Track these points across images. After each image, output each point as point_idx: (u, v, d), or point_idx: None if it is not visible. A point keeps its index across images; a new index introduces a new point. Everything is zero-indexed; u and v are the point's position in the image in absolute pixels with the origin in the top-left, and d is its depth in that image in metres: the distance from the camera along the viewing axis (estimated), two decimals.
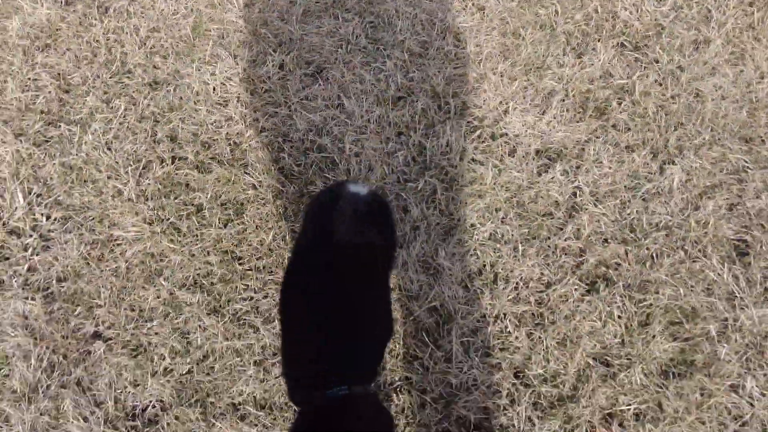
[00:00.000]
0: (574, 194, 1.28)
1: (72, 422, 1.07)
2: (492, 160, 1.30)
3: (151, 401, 1.10)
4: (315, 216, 0.91)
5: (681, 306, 1.19)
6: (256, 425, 1.08)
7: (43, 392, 1.09)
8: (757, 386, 1.12)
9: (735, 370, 1.13)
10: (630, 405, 1.10)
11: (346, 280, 0.85)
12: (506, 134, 1.33)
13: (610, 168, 1.30)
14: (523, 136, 1.32)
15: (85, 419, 1.08)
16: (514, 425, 1.08)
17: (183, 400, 1.10)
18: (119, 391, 1.11)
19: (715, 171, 1.30)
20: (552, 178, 1.28)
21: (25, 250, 1.21)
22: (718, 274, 1.21)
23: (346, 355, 0.83)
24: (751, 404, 1.11)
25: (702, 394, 1.12)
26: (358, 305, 0.85)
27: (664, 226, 1.25)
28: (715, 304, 1.19)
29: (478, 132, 1.32)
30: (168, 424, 1.08)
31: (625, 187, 1.28)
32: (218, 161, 1.29)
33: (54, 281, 1.18)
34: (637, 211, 1.26)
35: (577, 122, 1.34)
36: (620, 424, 1.09)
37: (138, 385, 1.11)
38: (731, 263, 1.22)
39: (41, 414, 1.08)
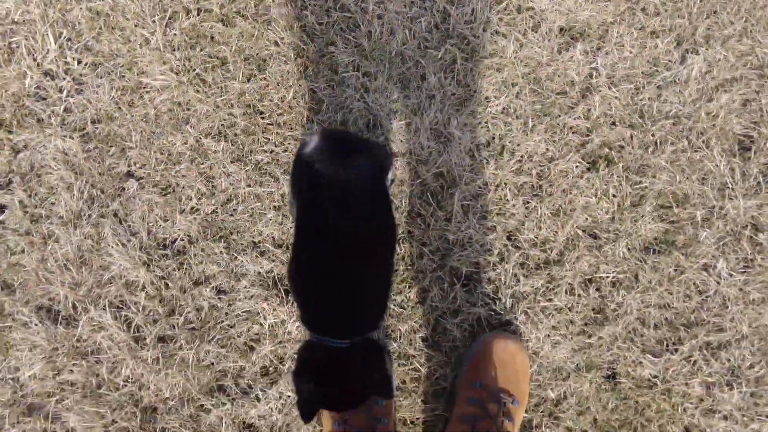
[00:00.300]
0: (591, 75, 1.30)
1: (112, 246, 1.23)
2: (515, 33, 1.31)
3: (179, 235, 1.24)
4: (297, 180, 0.93)
5: (674, 191, 1.26)
6: (274, 261, 1.22)
7: (85, 220, 1.23)
8: (726, 267, 1.24)
9: (710, 252, 1.24)
10: (609, 273, 1.23)
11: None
12: (532, 8, 1.32)
13: (630, 52, 1.31)
14: (549, 12, 1.32)
15: (123, 245, 1.23)
16: (501, 279, 1.22)
17: (208, 235, 1.24)
18: (151, 224, 1.24)
19: (738, 65, 1.31)
20: (571, 57, 1.30)
21: (60, 92, 1.29)
22: (716, 165, 1.27)
23: (348, 326, 0.93)
24: (717, 282, 1.23)
25: (676, 270, 1.23)
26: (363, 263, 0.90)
27: (673, 114, 1.29)
28: (707, 192, 1.26)
29: (504, 3, 1.31)
30: (195, 254, 1.23)
31: (642, 72, 1.30)
32: (242, 15, 1.31)
33: (89, 122, 1.27)
34: (649, 97, 1.29)
35: (606, 2, 1.32)
36: (597, 289, 1.23)
37: (168, 220, 1.24)
38: (731, 156, 1.28)
39: (85, 238, 1.23)
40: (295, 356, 1.04)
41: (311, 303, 0.93)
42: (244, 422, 1.25)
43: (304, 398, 0.92)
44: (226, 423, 1.23)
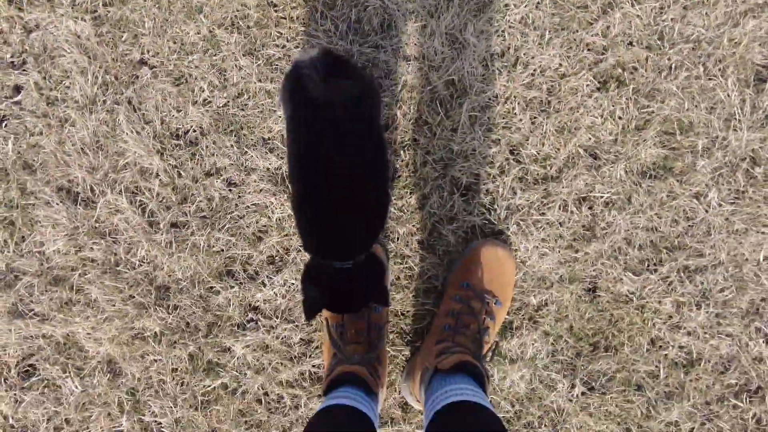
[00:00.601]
0: None
1: (126, 133, 1.23)
2: None
3: (192, 126, 1.24)
4: (289, 100, 0.85)
5: (680, 118, 1.24)
6: (282, 158, 1.23)
7: (100, 105, 1.23)
8: (717, 197, 1.25)
9: (705, 181, 1.24)
10: (604, 194, 1.24)
11: (339, 148, 0.83)
12: None
13: None
14: None
15: (138, 133, 1.23)
16: (498, 191, 1.24)
17: (220, 128, 1.24)
18: (164, 113, 1.24)
19: None
20: None
21: None
22: (727, 95, 1.23)
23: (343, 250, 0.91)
24: (706, 210, 1.24)
25: (668, 196, 1.24)
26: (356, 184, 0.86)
27: (694, 38, 1.22)
28: (712, 122, 1.24)
29: None
30: (206, 146, 1.24)
31: None
32: None
33: (100, 4, 1.23)
34: (672, 18, 1.22)
35: None
36: (590, 208, 1.24)
37: (180, 110, 1.24)
38: (745, 87, 1.24)
39: (100, 124, 1.23)
40: (303, 266, 1.04)
41: (312, 232, 0.91)
42: (249, 304, 1.31)
43: (310, 302, 0.95)
44: (233, 304, 1.30)
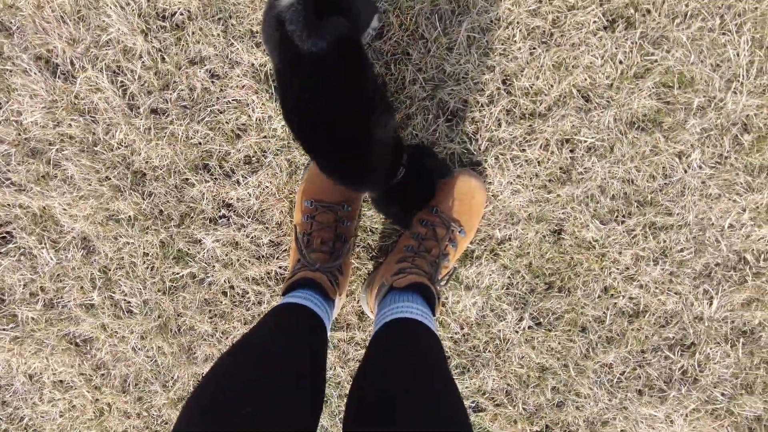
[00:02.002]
0: None
1: (110, 7, 1.01)
2: None
3: (179, 8, 1.02)
4: (272, 51, 0.63)
5: (682, 72, 1.04)
6: (268, 55, 1.04)
7: None
8: (699, 159, 1.07)
9: (691, 141, 1.07)
10: (588, 138, 1.06)
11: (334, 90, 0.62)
12: None
13: None
14: None
15: (122, 8, 1.02)
16: (484, 121, 1.05)
17: (208, 14, 1.02)
18: None
19: None
20: None
21: None
22: (737, 54, 1.02)
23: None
24: (685, 171, 1.08)
25: (651, 150, 1.07)
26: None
27: None
28: (714, 81, 1.04)
29: None
30: (192, 32, 1.03)
31: None
32: None
33: None
34: None
35: None
36: (571, 150, 1.08)
37: None
38: (757, 47, 1.02)
39: None
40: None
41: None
42: (223, 201, 1.07)
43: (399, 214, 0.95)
44: (207, 198, 1.06)
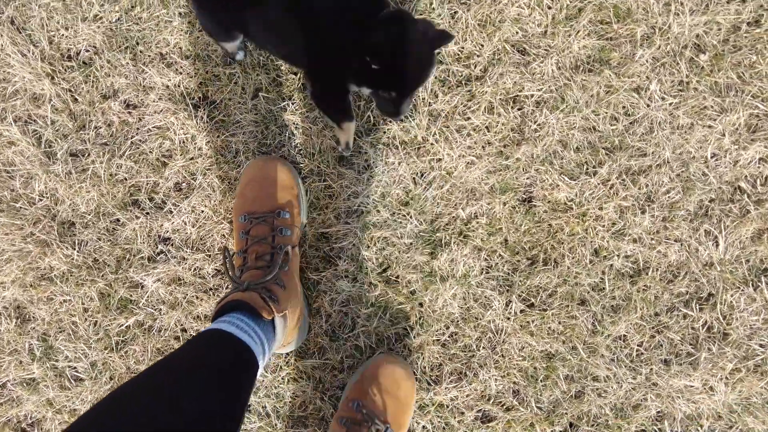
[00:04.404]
0: None
1: (11, 56, 0.98)
2: None
3: (83, 45, 0.99)
4: None
5: (615, 4, 0.98)
6: (181, 73, 0.99)
7: None
8: (659, 90, 0.99)
9: (645, 73, 0.99)
10: (534, 92, 0.98)
11: None
12: None
13: None
14: None
15: (23, 55, 0.99)
16: (418, 95, 0.98)
17: (114, 46, 0.99)
18: (52, 33, 0.98)
19: None
20: None
21: None
22: None
23: None
24: (648, 105, 0.99)
25: (606, 91, 1.00)
26: None
27: None
28: (651, 6, 0.98)
29: None
30: (101, 66, 0.99)
31: None
32: None
33: None
34: None
35: None
36: (519, 109, 1.00)
37: (69, 28, 0.98)
38: None
39: None
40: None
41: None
42: (159, 235, 0.98)
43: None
44: (141, 236, 0.97)
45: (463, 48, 0.96)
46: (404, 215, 0.99)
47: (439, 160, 0.98)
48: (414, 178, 0.99)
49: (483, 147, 0.98)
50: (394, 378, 0.90)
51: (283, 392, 1.00)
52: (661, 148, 0.98)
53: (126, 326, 1.00)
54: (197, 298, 0.99)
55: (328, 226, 0.99)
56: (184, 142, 0.98)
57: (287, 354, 1.00)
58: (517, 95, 0.97)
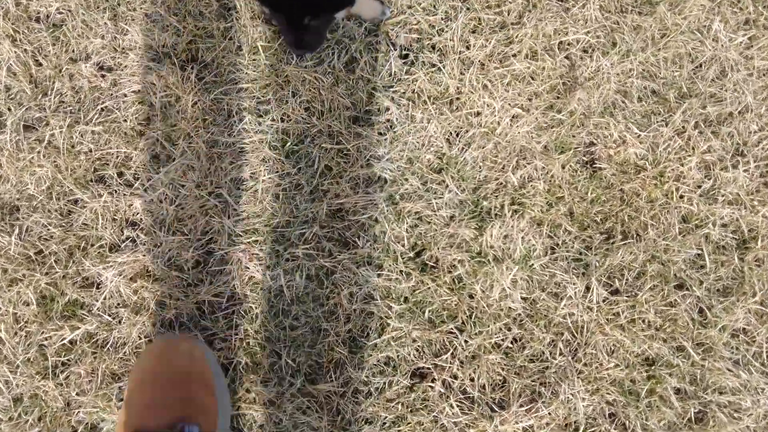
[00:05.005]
0: None
1: None
2: None
3: (56, 7, 0.87)
4: None
5: None
6: (167, 31, 0.85)
7: None
8: (723, 29, 0.87)
9: (704, 11, 0.87)
10: (580, 38, 0.85)
11: None
12: None
13: None
14: None
15: None
16: (447, 44, 0.84)
17: (92, 6, 0.86)
18: None
19: None
20: None
21: None
22: None
23: None
24: (713, 47, 0.86)
25: (661, 34, 0.86)
26: None
27: None
28: None
29: None
30: (73, 27, 0.85)
31: None
32: None
33: None
34: None
35: None
36: (566, 57, 0.86)
37: None
38: None
39: None
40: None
41: None
42: (126, 219, 0.76)
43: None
44: (104, 219, 0.75)
45: None
46: (439, 183, 0.79)
47: (478, 114, 0.81)
48: (448, 138, 0.81)
49: (529, 98, 0.81)
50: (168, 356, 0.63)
51: (286, 430, 0.71)
52: (740, 92, 0.82)
53: (70, 340, 0.73)
54: (170, 297, 0.74)
55: (345, 197, 0.78)
56: (165, 107, 0.80)
57: (291, 375, 0.73)
58: (561, 41, 0.83)
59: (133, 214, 0.78)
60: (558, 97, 0.82)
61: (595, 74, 0.82)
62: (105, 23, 0.83)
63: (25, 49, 0.82)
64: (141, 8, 0.84)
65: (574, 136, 0.81)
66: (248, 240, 0.77)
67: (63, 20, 0.84)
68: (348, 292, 0.75)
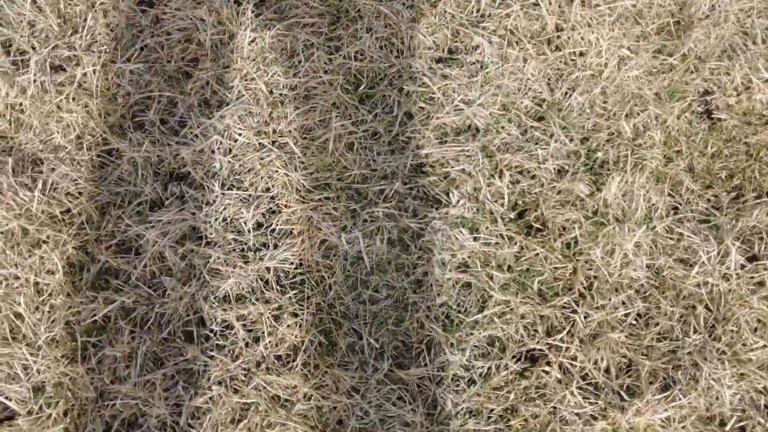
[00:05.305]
0: None
1: None
2: None
3: None
4: None
5: None
6: None
7: None
8: None
9: None
10: None
11: None
12: None
13: None
14: None
15: None
16: None
17: None
18: None
19: None
20: None
21: None
22: None
23: None
24: None
25: None
26: None
27: None
28: None
29: None
30: None
31: None
32: None
33: None
34: None
35: None
36: None
37: None
38: None
39: None
40: None
41: None
42: (172, 172, 0.64)
43: None
44: (144, 172, 0.64)
45: None
46: (542, 131, 0.67)
47: (582, 54, 0.70)
48: (548, 82, 0.69)
49: (637, 39, 0.70)
50: None
51: (372, 425, 0.58)
52: None
53: (103, 316, 0.60)
54: (226, 264, 0.61)
55: (430, 148, 0.66)
56: (217, 45, 0.69)
57: (375, 358, 0.60)
58: None
59: (180, 167, 0.65)
60: (668, 39, 0.71)
61: (711, 12, 0.72)
62: None
63: None
64: None
65: (687, 83, 0.70)
66: (319, 196, 0.64)
67: None
68: (439, 259, 0.63)
